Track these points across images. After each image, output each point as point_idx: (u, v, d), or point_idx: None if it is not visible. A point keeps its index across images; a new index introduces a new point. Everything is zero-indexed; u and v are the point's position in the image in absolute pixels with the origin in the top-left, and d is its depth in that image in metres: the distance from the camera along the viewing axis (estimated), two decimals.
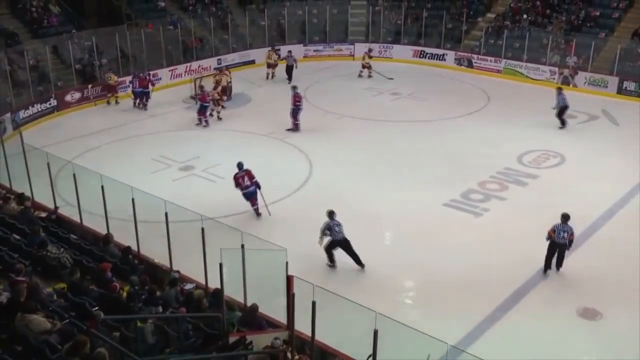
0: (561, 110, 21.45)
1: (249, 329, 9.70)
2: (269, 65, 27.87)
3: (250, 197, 15.40)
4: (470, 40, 30.02)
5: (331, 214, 13.36)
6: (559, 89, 21.93)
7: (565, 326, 11.64)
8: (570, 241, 12.98)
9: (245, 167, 15.47)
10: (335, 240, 13.20)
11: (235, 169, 15.50)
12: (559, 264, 13.16)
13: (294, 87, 21.53)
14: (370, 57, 28.33)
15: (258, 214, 15.47)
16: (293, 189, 17.10)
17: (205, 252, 10.68)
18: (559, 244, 12.95)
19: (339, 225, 13.27)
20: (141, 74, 24.33)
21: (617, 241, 14.42)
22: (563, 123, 21.45)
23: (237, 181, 15.38)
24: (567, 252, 13.08)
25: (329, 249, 13.32)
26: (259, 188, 15.37)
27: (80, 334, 7.87)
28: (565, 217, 13.04)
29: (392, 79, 27.13)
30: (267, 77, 27.75)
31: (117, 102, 24.39)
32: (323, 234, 13.24)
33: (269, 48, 28.70)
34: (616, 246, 14.22)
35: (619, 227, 15.08)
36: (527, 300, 12.38)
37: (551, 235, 12.95)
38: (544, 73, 27.07)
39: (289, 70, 27.24)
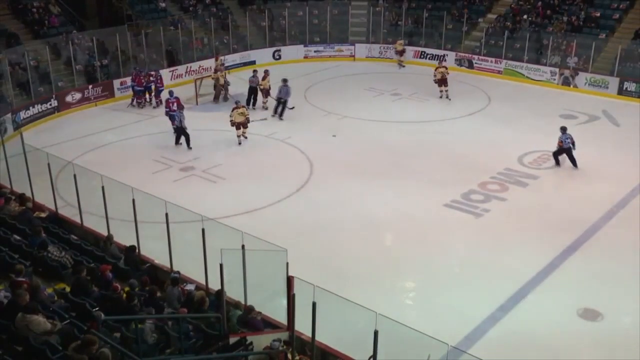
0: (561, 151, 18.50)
1: (247, 329, 9.71)
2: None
3: (172, 118, 20.13)
4: (470, 41, 30.01)
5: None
6: (563, 129, 18.43)
7: (565, 327, 11.63)
8: (573, 143, 17.88)
9: (175, 95, 20.93)
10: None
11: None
12: (574, 163, 18.05)
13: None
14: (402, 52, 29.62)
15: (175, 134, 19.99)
16: (294, 189, 17.10)
17: (205, 253, 10.67)
18: (566, 149, 17.89)
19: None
20: (139, 70, 24.35)
21: (617, 242, 14.44)
22: (557, 162, 18.58)
23: (167, 104, 20.70)
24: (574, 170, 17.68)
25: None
26: (182, 109, 20.30)
27: (88, 334, 7.87)
28: (564, 129, 18.10)
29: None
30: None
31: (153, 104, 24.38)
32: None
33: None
34: (617, 247, 14.23)
35: (619, 228, 15.08)
36: (527, 301, 12.38)
37: (560, 145, 18.01)
38: (545, 74, 27.07)
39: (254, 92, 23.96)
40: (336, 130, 21.28)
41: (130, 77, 24.56)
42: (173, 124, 20.14)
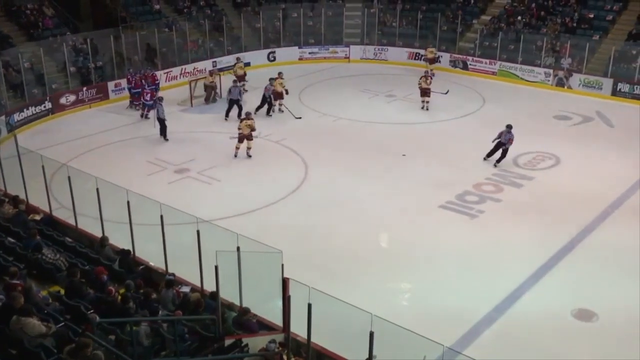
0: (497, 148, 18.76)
1: (243, 331, 9.69)
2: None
3: (143, 107, 22.44)
4: (465, 43, 30.06)
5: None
6: (509, 127, 18.54)
7: (560, 327, 11.66)
8: (510, 143, 18.30)
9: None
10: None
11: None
12: (499, 161, 18.53)
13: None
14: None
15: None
16: (289, 191, 17.09)
17: (200, 255, 10.66)
18: (503, 143, 18.34)
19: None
20: (133, 73, 24.20)
21: (611, 242, 14.47)
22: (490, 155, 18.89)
23: (138, 86, 22.70)
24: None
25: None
26: (160, 101, 21.01)
27: (82, 337, 7.85)
28: (509, 127, 18.42)
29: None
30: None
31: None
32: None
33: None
34: (610, 247, 14.27)
35: (613, 229, 15.13)
36: (523, 301, 12.40)
37: (500, 137, 18.41)
38: (539, 75, 27.13)
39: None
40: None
41: (126, 80, 24.45)
42: (145, 111, 22.30)
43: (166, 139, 20.69)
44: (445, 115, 23.22)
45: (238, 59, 27.01)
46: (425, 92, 23.70)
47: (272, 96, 22.99)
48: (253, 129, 19.26)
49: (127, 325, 9.08)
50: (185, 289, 11.08)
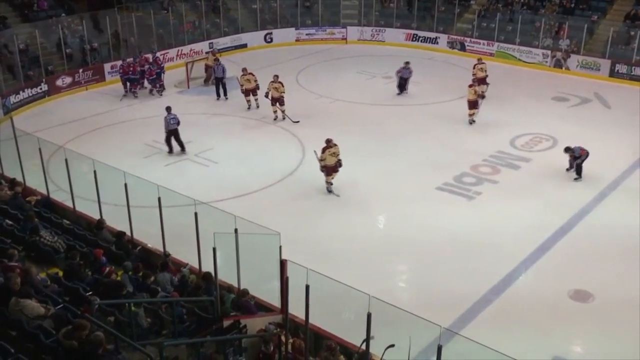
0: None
1: (241, 312, 9.74)
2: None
3: (132, 81, 22.95)
4: (462, 24, 29.91)
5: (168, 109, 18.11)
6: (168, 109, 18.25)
7: (557, 308, 11.73)
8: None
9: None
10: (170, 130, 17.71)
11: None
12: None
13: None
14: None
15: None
16: (286, 172, 17.09)
17: (198, 237, 10.68)
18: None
19: (173, 118, 17.80)
20: (131, 60, 23.71)
21: (608, 223, 14.53)
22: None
23: (133, 68, 22.69)
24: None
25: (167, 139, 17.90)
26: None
27: (80, 319, 7.88)
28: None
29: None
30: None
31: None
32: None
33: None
34: (607, 228, 14.32)
35: (610, 210, 15.18)
36: (519, 283, 12.48)
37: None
38: (537, 56, 27.05)
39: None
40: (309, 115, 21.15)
41: (120, 70, 23.46)
42: (134, 87, 23.11)
43: (226, 97, 22.62)
44: (442, 96, 23.16)
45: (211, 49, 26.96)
46: (473, 104, 20.34)
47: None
48: (339, 161, 15.78)
49: (125, 307, 9.12)
50: (184, 270, 11.12)
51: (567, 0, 27.95)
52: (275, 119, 20.79)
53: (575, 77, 25.55)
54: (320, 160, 15.59)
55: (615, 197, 15.84)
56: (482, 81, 22.05)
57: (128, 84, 23.40)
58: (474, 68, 22.48)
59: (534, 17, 27.89)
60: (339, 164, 15.67)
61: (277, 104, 20.62)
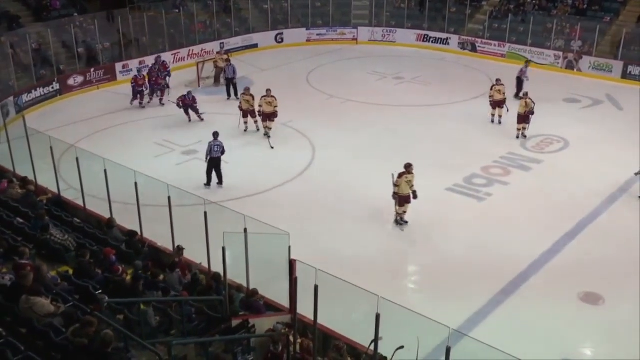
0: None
1: (250, 312, 9.75)
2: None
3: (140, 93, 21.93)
4: (474, 25, 29.82)
5: (215, 134, 16.35)
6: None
7: (567, 310, 11.67)
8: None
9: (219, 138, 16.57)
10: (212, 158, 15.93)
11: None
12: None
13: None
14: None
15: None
16: (296, 173, 17.10)
17: (208, 236, 10.70)
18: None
19: (219, 145, 16.00)
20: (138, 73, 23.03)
21: (619, 226, 14.45)
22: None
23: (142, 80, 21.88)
24: None
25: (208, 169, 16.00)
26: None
27: (88, 315, 7.91)
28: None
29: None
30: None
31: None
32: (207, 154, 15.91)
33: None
34: (618, 231, 14.24)
35: (621, 212, 15.09)
36: (529, 284, 12.42)
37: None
38: (549, 57, 26.93)
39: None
40: (338, 114, 21.13)
41: (132, 82, 22.38)
42: (142, 99, 22.07)
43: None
44: (453, 97, 23.09)
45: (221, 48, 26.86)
46: (523, 119, 19.25)
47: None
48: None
49: (135, 306, 9.15)
50: (194, 271, 11.15)
51: (579, 1, 27.81)
52: (245, 130, 19.56)
53: (587, 79, 25.43)
54: (395, 185, 14.22)
55: (627, 199, 15.73)
56: (498, 104, 20.26)
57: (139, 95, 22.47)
58: (491, 89, 20.46)
59: (545, 18, 27.76)
60: (414, 195, 14.18)
61: (268, 120, 19.13)
